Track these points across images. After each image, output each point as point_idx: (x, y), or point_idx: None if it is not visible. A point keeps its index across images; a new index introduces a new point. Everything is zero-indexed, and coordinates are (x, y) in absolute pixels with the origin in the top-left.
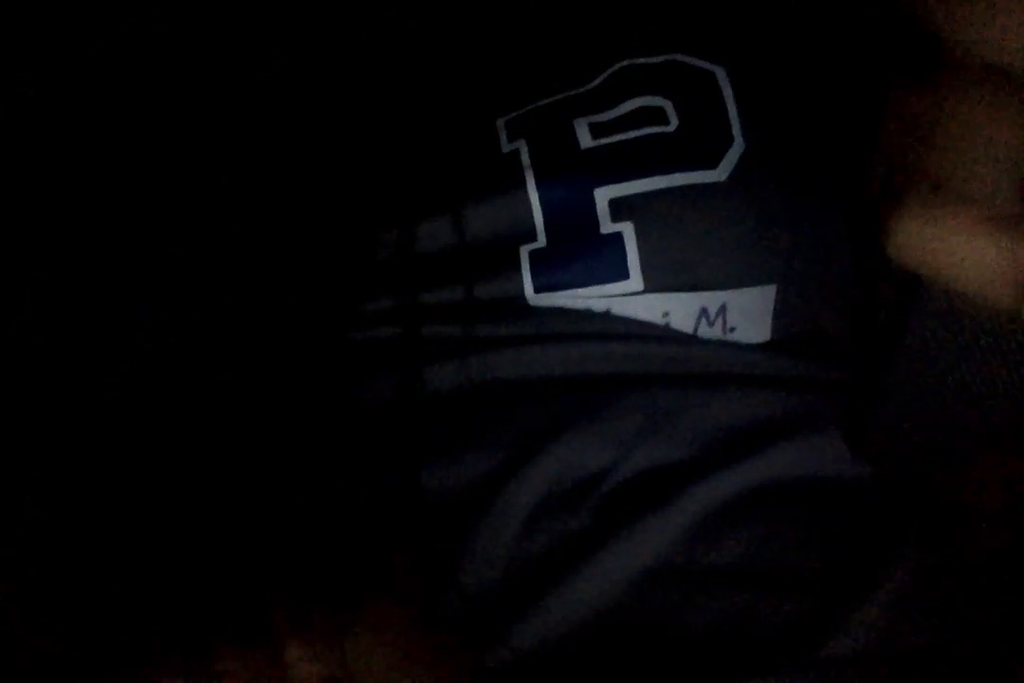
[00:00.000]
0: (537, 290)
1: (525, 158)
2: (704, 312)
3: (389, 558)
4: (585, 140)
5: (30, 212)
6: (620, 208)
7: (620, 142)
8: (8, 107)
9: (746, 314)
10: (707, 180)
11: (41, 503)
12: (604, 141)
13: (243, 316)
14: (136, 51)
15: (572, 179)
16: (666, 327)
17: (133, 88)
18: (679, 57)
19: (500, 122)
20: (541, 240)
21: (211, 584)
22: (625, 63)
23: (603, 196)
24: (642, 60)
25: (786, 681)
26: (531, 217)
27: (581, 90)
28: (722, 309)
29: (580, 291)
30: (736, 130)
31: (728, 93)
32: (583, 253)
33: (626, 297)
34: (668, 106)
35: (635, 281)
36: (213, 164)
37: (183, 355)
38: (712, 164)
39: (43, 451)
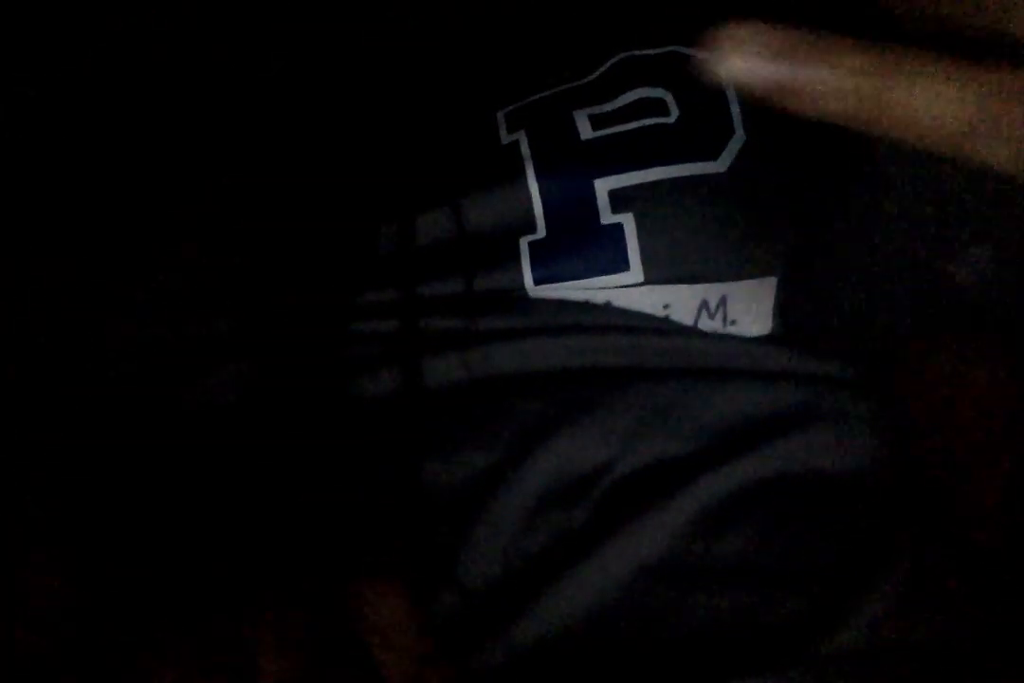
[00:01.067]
0: (537, 282)
1: (525, 149)
2: (705, 304)
3: (387, 553)
4: (585, 131)
5: (30, 212)
6: (620, 199)
7: (620, 133)
8: (8, 107)
9: (747, 306)
10: (708, 171)
11: (41, 503)
12: (604, 132)
13: (243, 311)
14: (136, 51)
15: (572, 170)
16: (666, 319)
17: (133, 88)
18: (679, 48)
19: (500, 114)
20: (541, 231)
21: (206, 581)
22: (625, 55)
23: (603, 187)
24: (642, 51)
25: (786, 679)
26: (531, 208)
27: (581, 82)
28: (723, 301)
29: (580, 283)
30: (737, 121)
31: (728, 84)
32: (583, 244)
33: (626, 289)
34: (668, 97)
35: (635, 273)
36: (213, 162)
37: (183, 353)
38: (713, 155)
39: (43, 451)
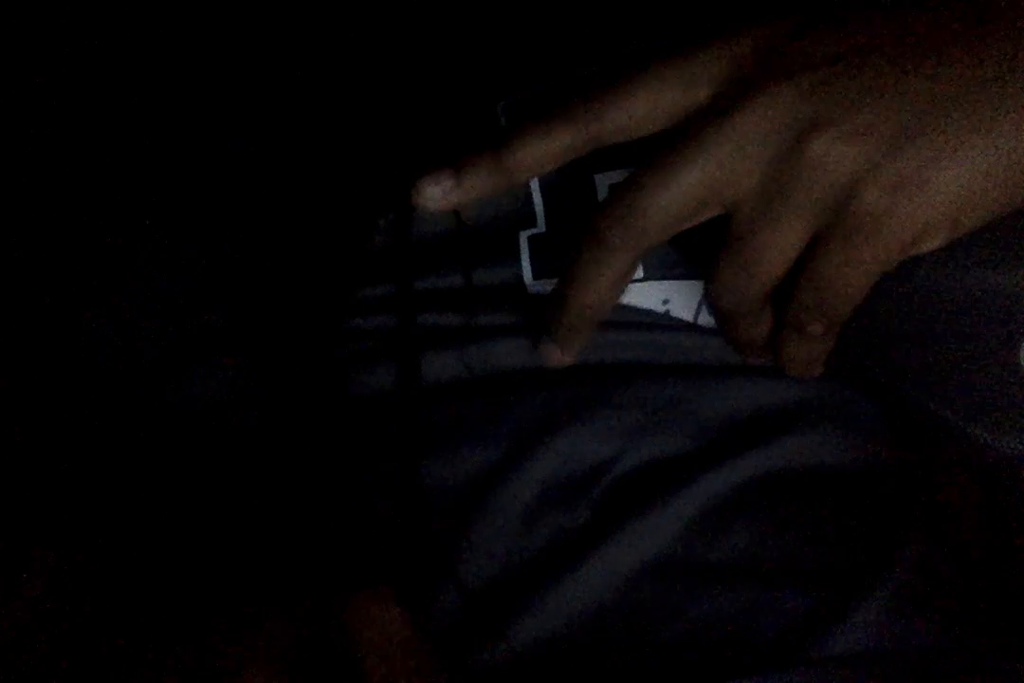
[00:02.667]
0: (536, 276)
1: None
2: (704, 300)
3: (384, 557)
4: None
5: (26, 207)
6: None
7: None
8: (8, 105)
9: None
10: None
11: (38, 502)
12: None
13: (238, 305)
14: (136, 46)
15: (572, 164)
16: (666, 315)
17: (131, 82)
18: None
19: (499, 106)
20: (541, 225)
21: (203, 580)
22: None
23: (603, 181)
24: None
25: (786, 679)
26: (531, 202)
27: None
28: None
29: None
30: None
31: None
32: None
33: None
34: None
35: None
36: (209, 156)
37: (177, 347)
38: None
39: (39, 448)
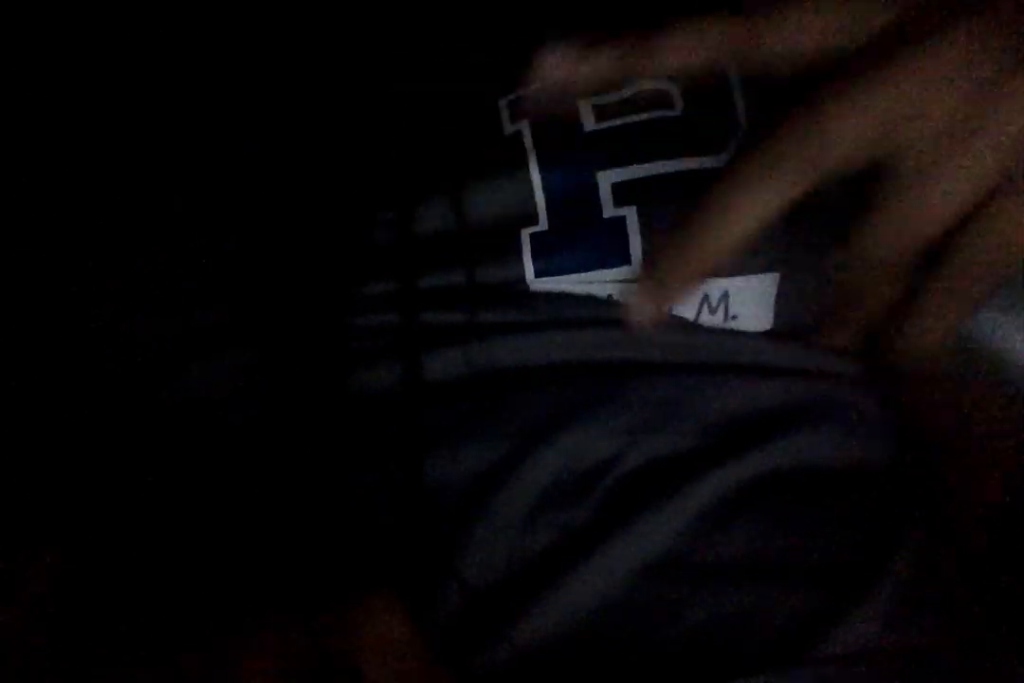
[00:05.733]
0: (538, 274)
1: (527, 140)
2: (706, 299)
3: (386, 558)
4: (589, 123)
5: (30, 210)
6: (623, 192)
7: (624, 125)
8: (7, 105)
9: (748, 302)
10: (712, 165)
11: (41, 502)
12: (608, 124)
13: (238, 302)
14: (134, 40)
15: (575, 162)
16: (668, 314)
17: (128, 76)
18: None
19: (502, 102)
20: (542, 223)
21: (203, 582)
22: None
23: (606, 180)
24: None
25: (786, 679)
26: (533, 200)
27: None
28: (724, 297)
29: (582, 276)
30: (742, 115)
31: (734, 77)
32: (585, 237)
33: (628, 283)
34: (673, 89)
35: (637, 266)
36: (209, 151)
37: (176, 344)
38: (718, 149)
39: (43, 451)
